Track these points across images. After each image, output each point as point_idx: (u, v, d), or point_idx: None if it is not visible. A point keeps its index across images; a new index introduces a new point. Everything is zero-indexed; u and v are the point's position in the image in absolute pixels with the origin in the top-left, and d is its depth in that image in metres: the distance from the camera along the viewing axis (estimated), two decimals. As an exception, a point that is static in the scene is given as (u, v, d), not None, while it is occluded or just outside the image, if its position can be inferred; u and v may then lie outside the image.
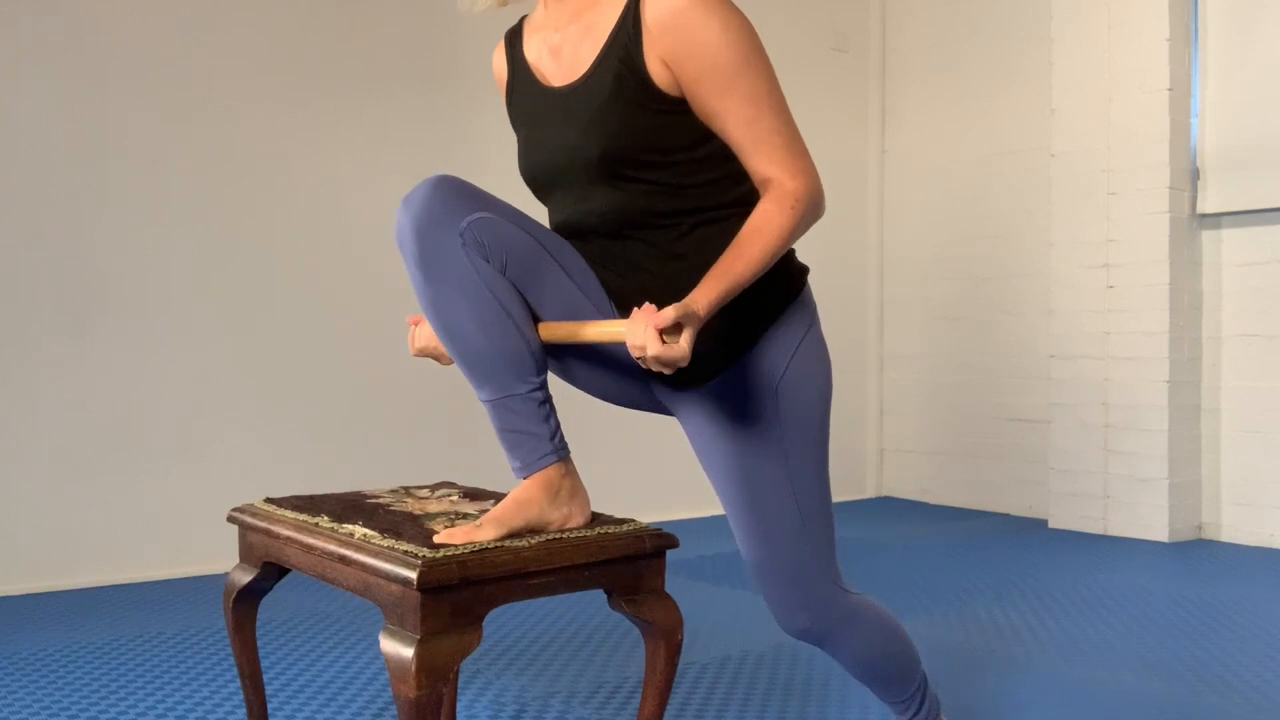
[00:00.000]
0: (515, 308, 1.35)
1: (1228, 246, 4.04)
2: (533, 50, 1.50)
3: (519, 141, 1.52)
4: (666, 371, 1.26)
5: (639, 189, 1.39)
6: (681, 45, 1.32)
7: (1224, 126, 4.02)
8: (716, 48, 1.32)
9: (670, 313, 1.22)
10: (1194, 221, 4.08)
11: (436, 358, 1.56)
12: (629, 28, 1.35)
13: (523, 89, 1.51)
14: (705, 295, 1.28)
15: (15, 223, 3.08)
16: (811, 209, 1.37)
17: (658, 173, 1.38)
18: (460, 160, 3.80)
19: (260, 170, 3.48)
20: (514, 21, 1.67)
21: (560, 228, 1.48)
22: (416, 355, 1.59)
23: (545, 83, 1.47)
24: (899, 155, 5.12)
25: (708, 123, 1.38)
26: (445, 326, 1.35)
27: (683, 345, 1.23)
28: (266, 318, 3.49)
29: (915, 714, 1.68)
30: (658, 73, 1.34)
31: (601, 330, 1.33)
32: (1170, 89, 3.98)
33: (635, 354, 1.25)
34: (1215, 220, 4.07)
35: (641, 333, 1.23)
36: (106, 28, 3.21)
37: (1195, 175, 4.06)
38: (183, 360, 3.34)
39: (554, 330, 1.38)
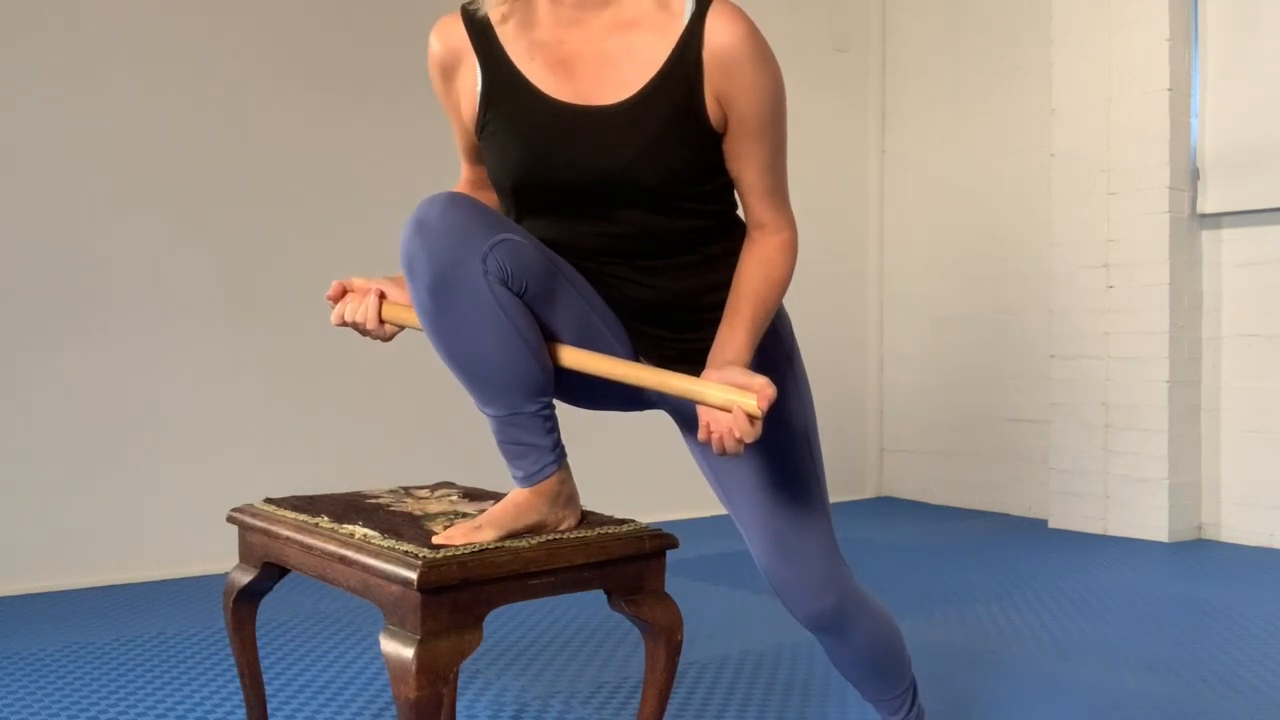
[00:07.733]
0: (532, 334, 1.32)
1: (1228, 246, 4.04)
2: (524, 52, 1.39)
3: (507, 149, 1.40)
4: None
5: (674, 217, 1.39)
6: (737, 86, 1.34)
7: (1224, 126, 4.02)
8: (764, 94, 1.35)
9: (770, 390, 1.22)
10: (1194, 221, 4.08)
11: (359, 329, 1.44)
12: (691, 61, 1.33)
13: (515, 93, 1.39)
14: (744, 350, 1.33)
15: (15, 222, 3.08)
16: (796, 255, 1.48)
17: (694, 202, 1.40)
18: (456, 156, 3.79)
19: (259, 170, 3.48)
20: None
21: (563, 247, 1.41)
22: (337, 325, 1.47)
23: (552, 95, 1.37)
24: (899, 155, 5.12)
25: (728, 160, 1.40)
26: (452, 352, 1.31)
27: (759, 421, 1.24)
28: (266, 317, 3.49)
29: (907, 713, 1.68)
30: (712, 109, 1.36)
31: (665, 382, 1.30)
32: (1170, 89, 3.98)
33: (733, 445, 1.24)
34: (1215, 220, 4.07)
35: (745, 426, 1.22)
36: (106, 26, 3.21)
37: (1195, 175, 4.06)
38: (182, 360, 3.33)
39: (596, 364, 1.35)
